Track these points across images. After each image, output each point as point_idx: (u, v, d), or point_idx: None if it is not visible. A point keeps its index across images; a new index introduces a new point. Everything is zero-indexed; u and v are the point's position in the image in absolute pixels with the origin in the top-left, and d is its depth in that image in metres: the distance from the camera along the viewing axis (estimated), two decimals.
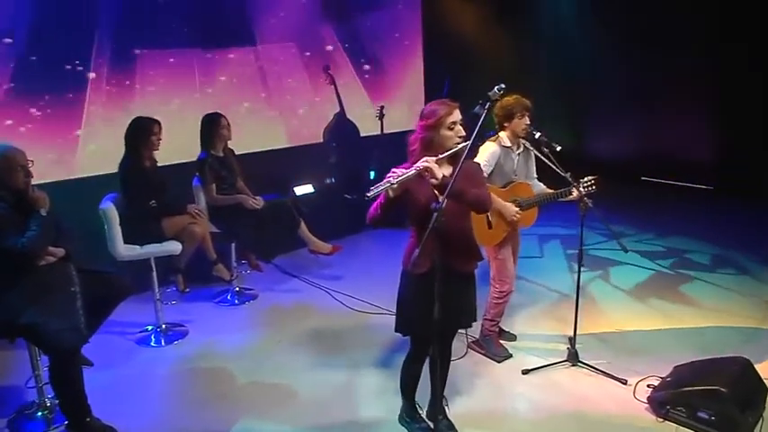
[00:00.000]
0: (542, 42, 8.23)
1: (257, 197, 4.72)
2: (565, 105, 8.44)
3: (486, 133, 3.85)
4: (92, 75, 5.06)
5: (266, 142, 6.50)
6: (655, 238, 6.30)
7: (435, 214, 2.49)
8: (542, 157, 3.80)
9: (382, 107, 7.09)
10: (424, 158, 2.63)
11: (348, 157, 7.00)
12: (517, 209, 3.74)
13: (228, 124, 4.68)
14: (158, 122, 4.21)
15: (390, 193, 2.61)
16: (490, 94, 2.57)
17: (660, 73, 7.32)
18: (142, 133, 4.15)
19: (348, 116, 7.16)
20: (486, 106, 2.58)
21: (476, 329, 4.01)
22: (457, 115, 2.74)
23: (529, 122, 3.77)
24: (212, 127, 4.60)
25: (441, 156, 2.67)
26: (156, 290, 4.27)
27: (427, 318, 2.82)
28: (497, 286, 3.91)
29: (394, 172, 2.59)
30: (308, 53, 6.93)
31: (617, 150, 7.99)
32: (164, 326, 4.35)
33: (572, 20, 7.91)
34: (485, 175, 3.66)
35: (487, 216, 3.73)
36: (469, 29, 7.95)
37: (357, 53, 7.50)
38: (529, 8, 8.26)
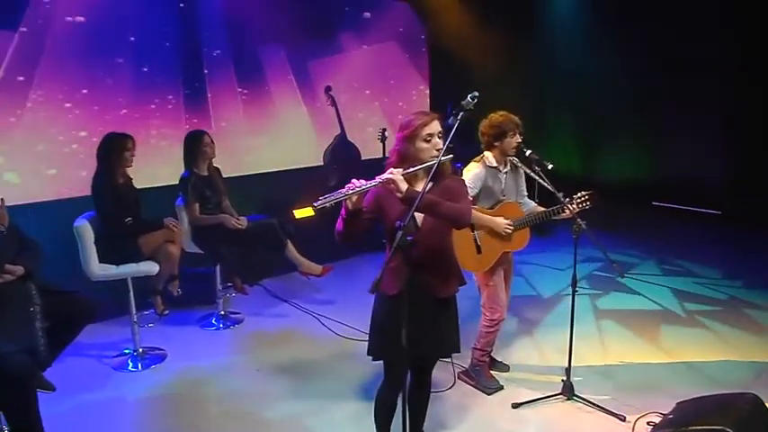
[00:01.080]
0: (551, 65, 8.09)
1: (241, 217, 4.56)
2: (574, 129, 8.27)
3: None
4: None
5: (266, 164, 6.38)
6: (662, 264, 6.05)
7: (400, 233, 2.30)
8: (534, 175, 3.60)
9: (384, 129, 6.94)
10: (389, 170, 2.46)
11: (349, 180, 6.84)
12: (508, 221, 3.54)
13: (212, 142, 4.55)
14: (132, 138, 4.09)
15: (349, 205, 2.44)
16: (463, 103, 2.40)
17: (670, 97, 7.13)
18: (115, 149, 4.03)
19: (349, 138, 7.07)
20: (459, 116, 2.41)
21: (467, 358, 3.79)
22: (435, 127, 2.57)
23: (520, 141, 3.57)
24: (195, 145, 4.47)
25: (411, 169, 2.49)
26: (134, 312, 4.11)
27: (399, 343, 2.64)
28: (488, 314, 3.68)
29: (353, 183, 2.41)
30: (308, 76, 6.85)
31: (627, 175, 7.75)
32: (141, 349, 4.18)
33: (581, 43, 7.75)
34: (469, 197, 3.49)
35: (476, 240, 3.54)
36: (476, 51, 7.84)
37: (359, 75, 7.43)
38: (538, 31, 8.15)
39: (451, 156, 2.61)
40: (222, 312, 4.82)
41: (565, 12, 7.97)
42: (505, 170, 3.65)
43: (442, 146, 2.55)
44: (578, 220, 3.38)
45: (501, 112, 3.61)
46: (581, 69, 7.76)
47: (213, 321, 4.78)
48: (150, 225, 4.20)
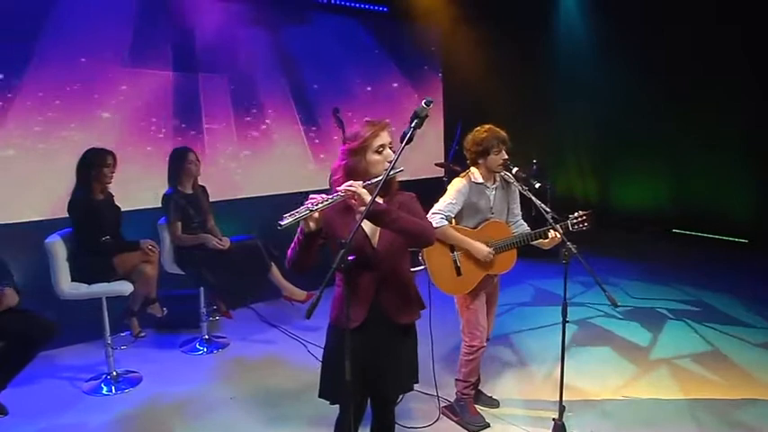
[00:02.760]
0: (567, 88, 7.86)
1: (224, 237, 4.40)
2: (590, 155, 7.98)
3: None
4: None
5: (275, 186, 6.27)
6: (681, 294, 5.65)
7: (342, 252, 2.08)
8: (524, 192, 3.33)
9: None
10: (349, 182, 2.24)
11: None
12: (491, 249, 3.29)
13: (197, 160, 4.43)
14: (112, 154, 3.98)
15: (312, 225, 2.21)
16: (418, 110, 2.19)
17: (692, 122, 6.83)
18: (93, 165, 3.92)
19: None
20: (413, 124, 2.20)
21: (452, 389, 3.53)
22: (386, 137, 2.36)
23: (506, 158, 3.34)
24: (179, 162, 4.36)
25: (373, 180, 2.26)
26: (108, 334, 3.95)
27: (359, 382, 2.39)
28: (467, 340, 3.42)
29: (313, 198, 2.18)
30: (319, 98, 6.77)
31: (647, 201, 7.41)
32: (115, 373, 4.01)
33: (599, 66, 7.51)
34: (447, 213, 3.26)
35: (456, 261, 3.30)
36: (489, 73, 7.69)
37: (368, 97, 7.32)
38: (554, 53, 7.95)
39: (402, 169, 2.40)
40: (206, 336, 4.64)
41: (582, 34, 7.77)
42: (494, 186, 3.42)
43: (393, 157, 2.35)
44: (568, 243, 3.08)
45: (486, 127, 3.40)
46: (599, 91, 7.53)
47: (197, 345, 4.60)
48: (128, 245, 4.07)
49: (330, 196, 2.18)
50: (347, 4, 7.11)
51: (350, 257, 2.12)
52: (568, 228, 3.27)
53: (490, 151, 3.31)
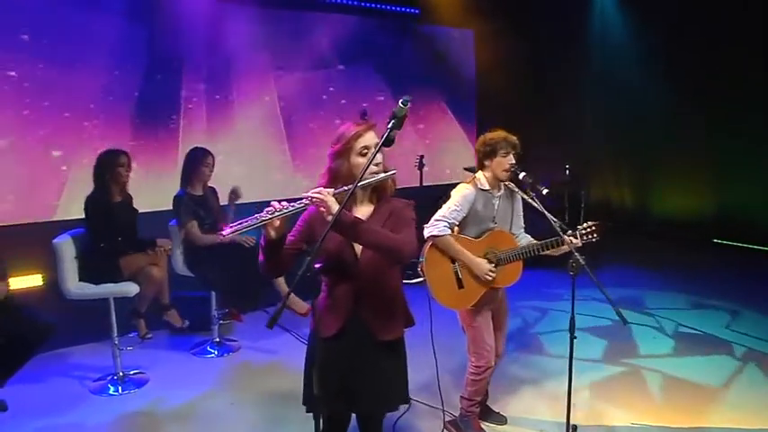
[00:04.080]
0: (603, 91, 7.56)
1: (248, 236, 4.32)
2: (628, 159, 7.64)
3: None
4: None
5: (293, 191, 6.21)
6: (719, 309, 5.30)
7: (307, 260, 1.97)
8: (531, 201, 3.16)
9: (422, 156, 6.64)
10: (317, 189, 2.13)
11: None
12: (491, 266, 3.11)
13: (213, 163, 4.40)
14: (126, 154, 4.00)
15: (271, 233, 2.10)
16: (395, 110, 2.06)
17: (737, 126, 6.44)
18: (108, 166, 3.94)
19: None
20: (390, 124, 2.07)
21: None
22: (370, 138, 2.25)
23: (513, 162, 3.16)
24: (192, 164, 4.34)
25: (344, 188, 2.14)
26: (115, 334, 3.96)
27: (343, 392, 2.31)
28: (473, 360, 3.25)
29: (273, 205, 2.07)
30: (343, 101, 6.73)
31: (686, 210, 7.03)
32: (121, 373, 4.02)
33: (637, 67, 7.19)
34: (452, 221, 3.11)
35: (457, 273, 3.14)
36: (524, 77, 7.48)
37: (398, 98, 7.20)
38: (589, 54, 7.66)
39: (394, 171, 2.28)
40: (217, 339, 4.61)
41: (619, 34, 7.46)
42: (498, 194, 3.25)
43: (380, 159, 2.22)
44: (576, 254, 2.87)
45: (501, 130, 3.23)
46: (637, 94, 7.21)
47: (208, 348, 4.58)
48: (142, 245, 4.08)
49: (290, 206, 2.06)
50: (376, 6, 7.04)
51: (316, 265, 2.02)
52: (578, 237, 3.07)
53: (497, 152, 3.15)
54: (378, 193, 2.32)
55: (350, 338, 2.30)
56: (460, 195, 3.17)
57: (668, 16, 6.70)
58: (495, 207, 3.22)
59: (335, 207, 2.05)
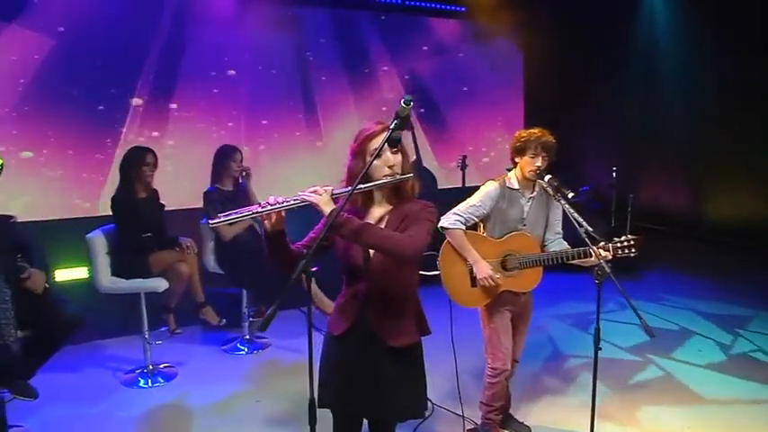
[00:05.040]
0: (655, 89, 7.22)
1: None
2: (682, 166, 7.25)
3: None
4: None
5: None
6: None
7: (302, 262, 1.94)
8: (565, 207, 2.95)
9: (465, 157, 6.55)
10: (314, 188, 2.08)
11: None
12: (491, 273, 2.98)
13: (241, 159, 4.44)
14: (152, 152, 4.07)
15: (267, 226, 2.09)
16: (398, 110, 1.99)
17: None
18: (133, 163, 4.03)
19: (425, 165, 6.75)
20: (392, 124, 2.01)
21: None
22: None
23: (540, 165, 3.02)
24: (222, 160, 4.39)
25: (343, 189, 2.09)
26: (146, 329, 4.06)
27: (347, 393, 2.28)
28: (489, 361, 3.15)
29: (269, 200, 2.05)
30: (390, 95, 6.71)
31: (746, 216, 6.62)
32: (151, 366, 4.10)
33: (693, 64, 6.83)
34: (467, 216, 3.01)
35: (471, 270, 3.04)
36: (573, 75, 7.25)
37: (445, 98, 7.16)
38: (640, 50, 7.33)
39: (411, 175, 2.20)
40: (247, 337, 4.66)
41: (671, 29, 7.09)
42: (530, 195, 3.12)
43: (394, 161, 2.15)
44: (601, 262, 2.68)
45: (538, 129, 3.08)
46: (692, 92, 6.83)
47: (238, 345, 4.63)
48: (168, 242, 4.15)
49: (284, 201, 2.03)
50: (422, 4, 6.98)
51: (313, 269, 1.98)
52: (610, 251, 2.89)
53: (526, 152, 3.02)
54: (397, 195, 2.25)
55: (357, 339, 2.26)
56: (484, 192, 3.08)
57: (720, 14, 6.32)
58: (526, 209, 3.10)
59: (327, 208, 2.02)
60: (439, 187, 6.91)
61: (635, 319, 2.51)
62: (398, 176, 2.15)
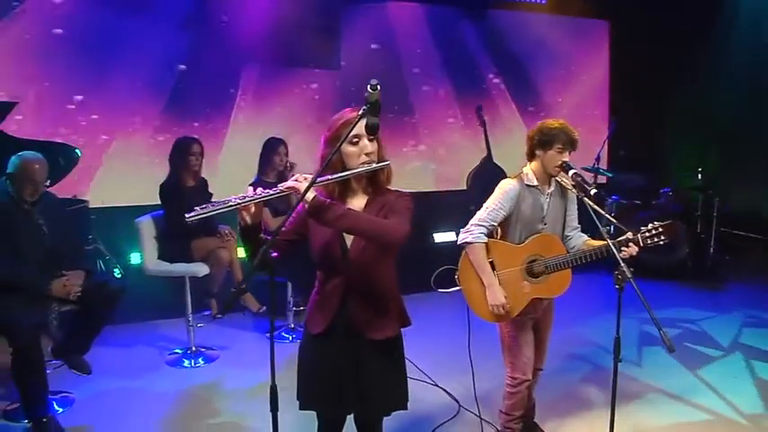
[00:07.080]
0: (749, 85, 6.55)
1: None
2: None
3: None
4: None
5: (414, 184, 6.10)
6: None
7: (263, 248, 1.91)
8: (587, 200, 2.73)
9: None
10: (295, 176, 2.06)
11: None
12: (504, 301, 2.79)
13: (286, 152, 4.50)
14: (198, 142, 4.22)
15: (246, 218, 2.08)
16: (366, 95, 1.91)
17: None
18: (180, 153, 4.19)
19: (495, 161, 6.56)
20: (362, 110, 1.93)
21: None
22: (362, 126, 2.11)
23: (566, 160, 2.81)
24: (266, 152, 4.47)
25: (323, 178, 2.04)
26: (189, 312, 4.24)
27: (333, 395, 2.26)
28: (508, 371, 2.98)
29: (248, 191, 2.04)
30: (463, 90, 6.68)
31: None
32: (194, 348, 4.29)
33: None
34: (491, 224, 2.85)
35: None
36: (659, 70, 6.76)
37: (521, 91, 6.96)
38: (731, 42, 6.69)
39: (387, 162, 2.13)
40: (292, 325, 4.74)
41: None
42: (549, 191, 2.91)
43: (371, 149, 2.09)
44: (622, 265, 2.46)
45: (561, 121, 2.88)
46: None
47: (283, 333, 4.71)
48: (210, 229, 4.29)
49: (264, 192, 2.01)
50: None
51: (273, 255, 1.96)
52: (639, 243, 2.67)
53: (553, 145, 2.80)
54: (373, 184, 2.18)
55: (338, 336, 2.21)
56: (501, 192, 2.87)
57: None
58: (545, 207, 2.89)
59: (309, 195, 1.97)
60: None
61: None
62: (375, 164, 2.08)
